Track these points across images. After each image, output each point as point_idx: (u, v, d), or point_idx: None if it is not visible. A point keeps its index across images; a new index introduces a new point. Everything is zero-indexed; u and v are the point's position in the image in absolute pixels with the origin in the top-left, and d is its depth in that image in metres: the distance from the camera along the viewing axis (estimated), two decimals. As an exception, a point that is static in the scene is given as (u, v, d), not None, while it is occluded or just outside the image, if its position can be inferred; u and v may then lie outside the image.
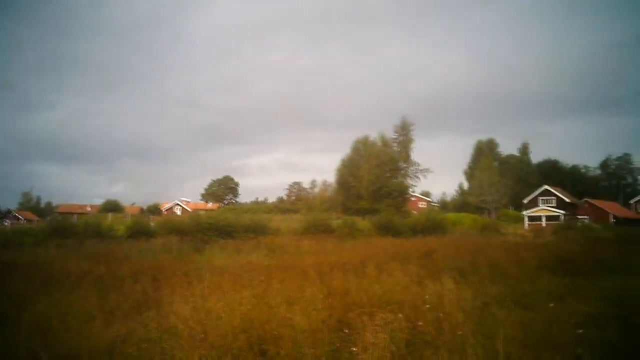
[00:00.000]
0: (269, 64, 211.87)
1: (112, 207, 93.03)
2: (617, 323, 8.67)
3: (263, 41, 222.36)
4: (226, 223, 41.24)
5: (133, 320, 9.63)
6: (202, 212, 56.82)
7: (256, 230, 41.11)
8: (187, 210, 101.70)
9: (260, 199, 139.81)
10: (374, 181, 73.73)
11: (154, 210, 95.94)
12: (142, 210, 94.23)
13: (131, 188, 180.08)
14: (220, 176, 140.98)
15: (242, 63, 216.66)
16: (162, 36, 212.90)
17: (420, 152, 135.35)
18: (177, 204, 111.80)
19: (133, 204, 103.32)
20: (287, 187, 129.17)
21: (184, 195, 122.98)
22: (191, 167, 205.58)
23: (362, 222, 51.58)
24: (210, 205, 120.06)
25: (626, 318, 8.98)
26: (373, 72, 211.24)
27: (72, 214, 74.40)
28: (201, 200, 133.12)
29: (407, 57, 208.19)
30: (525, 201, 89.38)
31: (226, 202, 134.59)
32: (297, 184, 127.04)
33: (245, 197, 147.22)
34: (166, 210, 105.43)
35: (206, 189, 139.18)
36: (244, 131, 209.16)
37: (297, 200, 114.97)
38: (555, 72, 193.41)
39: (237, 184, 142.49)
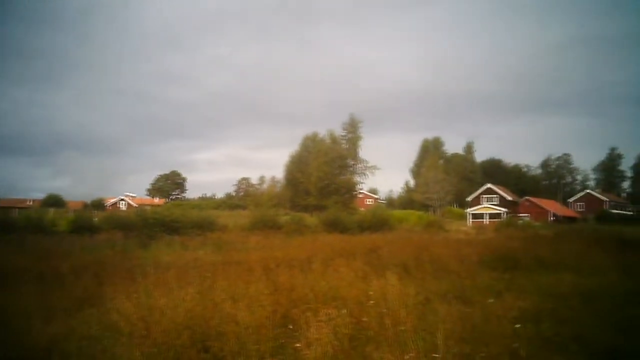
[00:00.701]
0: (217, 57, 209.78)
1: (55, 201, 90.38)
2: (551, 317, 9.02)
3: (211, 34, 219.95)
4: (172, 219, 40.76)
5: (74, 317, 9.45)
6: (147, 208, 55.82)
7: (203, 226, 40.72)
8: (132, 205, 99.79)
9: (208, 194, 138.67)
10: (322, 178, 74.04)
11: (98, 205, 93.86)
12: (85, 205, 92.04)
13: (74, 182, 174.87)
14: (167, 171, 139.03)
15: (189, 56, 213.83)
16: (106, 26, 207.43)
17: (368, 149, 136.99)
18: (122, 199, 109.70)
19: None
20: (235, 183, 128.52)
21: (129, 190, 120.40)
22: (137, 162, 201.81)
23: (310, 219, 51.75)
24: (156, 200, 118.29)
25: (559, 312, 9.37)
26: (322, 68, 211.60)
27: (13, 208, 72.16)
28: (147, 195, 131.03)
29: (354, 55, 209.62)
30: (469, 199, 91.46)
31: (173, 198, 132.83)
32: (246, 179, 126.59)
33: (192, 192, 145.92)
34: (111, 205, 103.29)
35: (152, 184, 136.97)
36: (191, 125, 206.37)
37: (245, 196, 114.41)
38: (498, 73, 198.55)
39: (184, 179, 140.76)
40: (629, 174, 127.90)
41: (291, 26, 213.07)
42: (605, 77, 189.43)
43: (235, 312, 7.98)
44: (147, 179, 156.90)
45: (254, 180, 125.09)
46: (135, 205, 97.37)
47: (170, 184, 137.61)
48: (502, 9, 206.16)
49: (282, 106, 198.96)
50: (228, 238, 32.58)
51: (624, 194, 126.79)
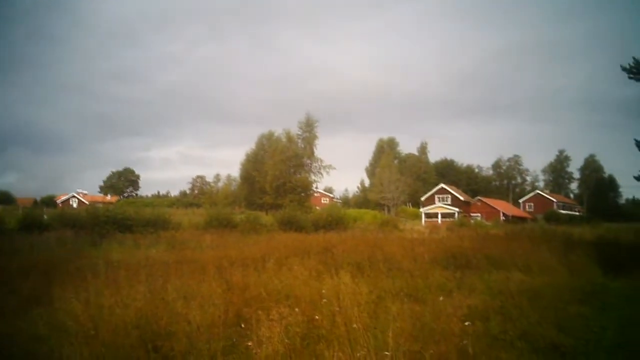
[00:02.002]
0: (170, 54, 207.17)
1: (3, 198, 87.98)
2: (499, 315, 9.25)
3: (164, 31, 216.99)
4: (125, 216, 39.89)
5: (21, 318, 9.20)
6: (99, 205, 54.67)
7: (157, 225, 40.01)
8: (84, 202, 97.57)
9: (163, 192, 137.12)
10: (278, 176, 74.04)
11: (49, 202, 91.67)
12: (35, 202, 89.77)
13: (24, 179, 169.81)
14: (120, 168, 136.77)
15: (141, 52, 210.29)
16: (56, 21, 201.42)
17: (324, 148, 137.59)
18: (74, 196, 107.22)
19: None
20: (190, 181, 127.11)
21: (81, 187, 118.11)
22: (89, 158, 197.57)
23: (266, 217, 51.61)
24: (109, 197, 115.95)
25: (507, 310, 9.61)
26: (278, 67, 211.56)
27: (-44, 205, 69.75)
28: (99, 192, 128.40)
29: (309, 55, 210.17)
30: (422, 198, 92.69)
31: (126, 195, 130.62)
32: (201, 177, 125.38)
33: (146, 190, 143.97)
34: (62, 202, 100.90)
35: (105, 181, 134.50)
36: (145, 123, 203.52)
37: (200, 194, 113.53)
38: (451, 76, 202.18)
39: (138, 177, 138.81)
40: (576, 175, 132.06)
41: (246, 25, 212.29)
42: (554, 82, 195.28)
43: (187, 312, 7.93)
44: (100, 176, 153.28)
45: (210, 178, 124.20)
46: (87, 202, 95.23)
47: (123, 182, 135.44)
48: (454, 13, 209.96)
49: (237, 105, 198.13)
50: (182, 236, 32.08)
51: (571, 195, 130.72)
